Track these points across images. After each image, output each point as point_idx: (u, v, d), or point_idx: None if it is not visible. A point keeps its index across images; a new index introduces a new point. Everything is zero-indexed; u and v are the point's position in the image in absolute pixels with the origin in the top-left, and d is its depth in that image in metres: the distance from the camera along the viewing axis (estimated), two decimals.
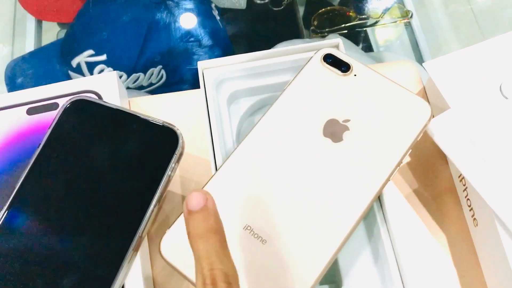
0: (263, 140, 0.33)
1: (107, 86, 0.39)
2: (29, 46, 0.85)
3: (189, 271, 0.29)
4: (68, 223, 0.33)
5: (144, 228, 0.32)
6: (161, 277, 0.36)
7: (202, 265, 0.24)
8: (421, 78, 0.43)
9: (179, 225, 0.31)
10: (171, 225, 0.31)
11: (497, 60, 0.37)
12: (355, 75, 0.34)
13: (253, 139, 0.33)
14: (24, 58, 0.75)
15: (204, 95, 0.37)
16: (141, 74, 0.70)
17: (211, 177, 0.32)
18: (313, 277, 0.29)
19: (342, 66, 0.35)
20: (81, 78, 0.39)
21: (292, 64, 0.39)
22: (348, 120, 0.33)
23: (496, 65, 0.37)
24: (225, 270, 0.24)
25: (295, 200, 0.31)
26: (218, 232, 0.25)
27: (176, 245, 0.30)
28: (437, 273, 0.36)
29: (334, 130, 0.32)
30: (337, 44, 0.39)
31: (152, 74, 0.71)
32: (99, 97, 0.38)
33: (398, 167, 0.31)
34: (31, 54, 0.77)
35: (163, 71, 0.71)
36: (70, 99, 0.36)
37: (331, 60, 0.35)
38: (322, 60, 0.35)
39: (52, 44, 0.77)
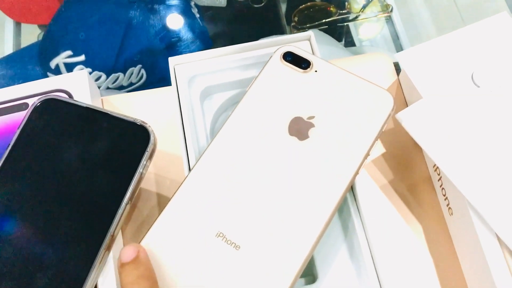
0: (230, 143, 0.32)
1: (78, 85, 0.38)
2: (8, 49, 0.84)
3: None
4: (38, 223, 0.32)
5: (116, 227, 0.32)
6: None
7: None
8: (394, 70, 0.43)
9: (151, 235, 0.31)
10: (144, 236, 0.31)
11: (469, 49, 0.37)
12: (316, 71, 0.34)
13: (220, 142, 0.32)
14: (2, 61, 0.74)
15: (176, 91, 0.37)
16: (121, 74, 0.69)
17: (180, 184, 0.32)
18: (291, 277, 0.28)
19: (302, 63, 0.34)
20: (51, 77, 0.39)
21: (266, 58, 0.38)
22: (312, 117, 0.32)
23: (468, 54, 0.37)
24: None
25: (266, 202, 0.30)
26: (149, 278, 0.27)
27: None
28: (413, 262, 0.36)
29: (299, 128, 0.32)
30: (309, 37, 0.38)
31: (132, 73, 0.70)
32: (70, 96, 0.38)
33: (366, 159, 0.31)
34: (9, 56, 0.76)
35: (143, 71, 0.71)
36: (39, 99, 0.35)
37: (291, 58, 0.35)
38: (282, 58, 0.35)
39: (30, 46, 0.76)
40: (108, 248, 0.32)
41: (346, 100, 0.33)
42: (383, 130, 0.32)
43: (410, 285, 0.35)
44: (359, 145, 0.31)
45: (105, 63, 0.68)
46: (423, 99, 0.35)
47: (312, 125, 0.32)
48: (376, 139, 0.31)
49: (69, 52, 0.68)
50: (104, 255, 0.32)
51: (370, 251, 0.33)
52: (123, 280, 0.27)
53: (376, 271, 0.33)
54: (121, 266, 0.28)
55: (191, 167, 0.34)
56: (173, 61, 0.38)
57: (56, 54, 0.68)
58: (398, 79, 0.42)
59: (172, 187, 0.39)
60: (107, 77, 0.68)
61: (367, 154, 0.31)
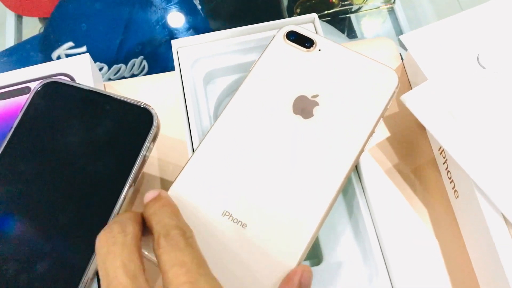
0: (235, 123, 0.32)
1: (80, 69, 0.38)
2: (10, 42, 0.84)
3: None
4: (41, 206, 0.32)
5: (120, 209, 0.32)
6: None
7: (155, 228, 0.26)
8: (400, 54, 0.43)
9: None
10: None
11: (474, 31, 0.37)
12: (319, 50, 0.34)
13: (224, 122, 0.32)
14: (4, 53, 0.74)
15: (179, 74, 0.37)
16: (123, 65, 0.69)
17: (185, 164, 0.32)
18: (298, 255, 0.28)
19: (306, 42, 0.34)
20: (54, 62, 0.38)
21: (269, 40, 0.38)
22: (316, 95, 0.32)
23: (473, 36, 0.37)
24: (179, 224, 0.26)
25: (272, 180, 0.30)
26: (170, 205, 0.28)
27: None
28: (419, 244, 0.36)
29: (304, 107, 0.32)
30: (313, 19, 0.38)
31: (133, 65, 0.70)
32: (72, 80, 0.38)
33: (371, 137, 0.31)
34: (10, 49, 0.76)
35: (144, 62, 0.71)
36: (41, 82, 0.35)
37: (294, 37, 0.34)
38: (285, 37, 0.34)
39: (31, 38, 0.76)
40: None
41: (350, 78, 0.33)
42: (388, 108, 0.32)
43: (416, 267, 0.35)
44: (364, 123, 0.31)
45: (107, 54, 0.68)
46: (429, 80, 0.35)
47: (316, 104, 0.32)
48: (381, 117, 0.31)
49: (70, 44, 0.68)
50: None
51: (376, 234, 0.33)
52: (146, 213, 0.27)
53: (382, 253, 0.32)
54: (144, 206, 0.28)
55: (194, 148, 0.34)
56: (176, 43, 0.38)
57: (58, 45, 0.68)
58: (403, 63, 0.42)
59: (175, 172, 0.38)
60: (109, 68, 0.68)
61: (372, 132, 0.31)
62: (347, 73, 0.33)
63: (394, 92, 0.32)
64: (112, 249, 0.24)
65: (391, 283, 0.32)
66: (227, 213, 0.29)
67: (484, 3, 0.38)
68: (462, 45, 0.36)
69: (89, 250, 0.31)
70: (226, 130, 0.32)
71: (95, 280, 0.32)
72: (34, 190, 0.32)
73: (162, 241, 0.25)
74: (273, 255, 0.28)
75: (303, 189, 0.30)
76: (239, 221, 0.29)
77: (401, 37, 0.37)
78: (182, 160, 0.38)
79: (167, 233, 0.25)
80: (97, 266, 0.25)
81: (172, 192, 0.30)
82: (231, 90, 0.40)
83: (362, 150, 0.30)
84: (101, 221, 0.31)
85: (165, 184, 0.38)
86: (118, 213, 0.32)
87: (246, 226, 0.29)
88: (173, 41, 0.37)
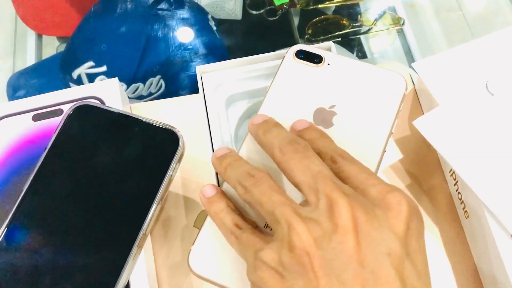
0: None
1: (109, 92, 0.40)
2: (30, 60, 0.87)
3: (224, 279, 0.30)
4: (74, 224, 0.34)
5: (148, 226, 0.34)
6: (163, 272, 0.38)
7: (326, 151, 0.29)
8: (412, 79, 0.44)
9: (204, 236, 0.32)
10: (196, 239, 0.32)
11: (483, 59, 0.39)
12: (328, 64, 0.36)
13: (251, 143, 0.34)
14: (25, 72, 0.76)
15: (203, 98, 0.39)
16: (141, 84, 0.71)
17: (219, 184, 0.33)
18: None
19: (315, 58, 0.37)
20: (84, 85, 0.41)
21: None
22: (333, 106, 0.35)
23: (482, 64, 0.39)
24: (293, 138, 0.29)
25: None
26: (233, 206, 0.31)
27: (205, 257, 0.31)
28: (430, 264, 0.37)
29: (323, 117, 0.34)
30: (329, 47, 0.40)
31: (151, 84, 0.72)
32: (102, 102, 0.40)
33: (390, 137, 0.33)
34: (32, 67, 0.79)
35: (162, 81, 0.73)
36: (74, 105, 0.37)
37: (303, 55, 0.37)
38: (295, 56, 0.37)
39: (52, 57, 0.79)
40: (141, 245, 0.34)
41: (361, 86, 0.35)
42: (401, 109, 0.34)
43: None
44: (382, 124, 0.33)
45: (126, 73, 0.70)
46: (440, 106, 0.37)
47: (334, 113, 0.34)
48: (396, 118, 0.33)
49: (91, 63, 0.70)
50: (136, 252, 0.33)
51: None
52: (212, 210, 0.30)
53: None
54: (208, 201, 0.31)
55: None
56: (200, 69, 0.40)
57: (79, 64, 0.70)
58: (414, 88, 0.44)
59: (197, 190, 0.40)
60: (128, 87, 0.70)
61: (391, 133, 0.33)
62: (358, 82, 0.35)
63: (404, 94, 0.34)
64: None
65: None
66: None
67: (492, 33, 0.40)
68: (472, 72, 0.38)
69: (119, 266, 0.33)
70: (254, 148, 0.34)
71: None
72: (67, 209, 0.34)
73: (280, 153, 0.28)
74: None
75: None
76: None
77: (413, 64, 0.39)
78: (205, 178, 0.40)
79: (281, 148, 0.28)
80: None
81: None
82: (252, 112, 0.42)
83: (384, 150, 0.33)
84: (130, 238, 0.33)
85: (187, 202, 0.40)
86: (146, 231, 0.34)
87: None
88: (197, 67, 0.40)
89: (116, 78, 0.40)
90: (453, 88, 0.38)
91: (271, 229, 0.30)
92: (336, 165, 0.28)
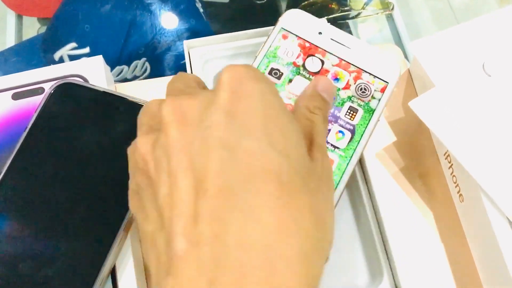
0: None
1: (93, 70, 0.38)
2: (10, 42, 0.84)
3: None
4: (57, 207, 0.32)
5: None
6: None
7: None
8: (405, 60, 0.43)
9: None
10: None
11: (480, 39, 0.38)
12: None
13: None
14: (5, 53, 0.74)
15: (190, 72, 0.37)
16: (125, 67, 0.69)
17: None
18: None
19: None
20: (67, 63, 0.39)
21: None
22: None
23: (479, 44, 0.38)
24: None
25: None
26: None
27: None
28: (425, 248, 0.36)
29: None
30: None
31: (136, 66, 0.70)
32: (86, 81, 0.38)
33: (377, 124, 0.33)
34: (11, 48, 0.76)
35: (147, 64, 0.71)
36: (56, 83, 0.35)
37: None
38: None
39: (33, 38, 0.76)
40: (127, 229, 0.32)
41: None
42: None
43: (422, 271, 0.36)
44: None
45: (110, 55, 0.68)
46: (436, 87, 0.36)
47: None
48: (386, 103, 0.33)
49: (73, 44, 0.68)
50: (122, 236, 0.32)
51: (381, 237, 0.34)
52: None
53: (387, 255, 0.33)
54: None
55: None
56: (188, 44, 0.38)
57: (61, 45, 0.68)
58: (408, 70, 0.43)
59: None
60: (112, 69, 0.68)
61: (378, 120, 0.33)
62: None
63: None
64: None
65: (395, 286, 0.33)
66: None
67: (490, 12, 0.39)
68: (468, 53, 0.37)
69: (104, 251, 0.31)
70: None
71: (110, 279, 0.33)
72: (49, 192, 0.33)
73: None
74: None
75: None
76: None
77: (409, 44, 0.38)
78: None
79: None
80: None
81: None
82: None
83: (370, 135, 0.32)
84: (116, 222, 0.32)
85: None
86: (132, 216, 0.32)
87: None
88: (185, 42, 0.38)
89: (101, 55, 0.39)
90: (449, 69, 0.37)
91: None
92: None
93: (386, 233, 0.34)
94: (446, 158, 0.38)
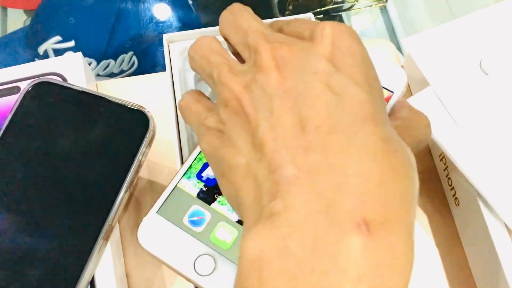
0: None
1: (72, 68, 0.37)
2: None
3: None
4: (32, 212, 0.31)
5: (115, 216, 0.31)
6: (133, 268, 0.35)
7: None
8: (398, 57, 0.42)
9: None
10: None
11: (476, 36, 0.37)
12: None
13: None
14: None
15: (170, 69, 0.36)
16: (112, 61, 0.67)
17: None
18: None
19: None
20: (44, 60, 0.37)
21: None
22: None
23: (475, 41, 0.36)
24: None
25: None
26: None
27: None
28: (418, 253, 0.35)
29: None
30: (309, 18, 0.37)
31: (123, 60, 0.68)
32: (64, 79, 0.36)
33: None
34: None
35: (134, 58, 0.69)
36: (32, 82, 0.33)
37: None
38: None
39: (17, 31, 0.74)
40: (106, 238, 0.31)
41: None
42: None
43: (415, 277, 0.34)
44: None
45: (96, 49, 0.66)
46: (431, 86, 0.35)
47: None
48: None
49: (58, 38, 0.66)
50: (102, 245, 0.30)
51: None
52: (183, 103, 0.28)
53: None
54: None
55: (182, 148, 0.34)
56: (167, 37, 0.36)
57: (45, 39, 0.66)
58: (402, 66, 0.41)
59: (169, 175, 0.38)
60: (98, 63, 0.66)
61: None
62: None
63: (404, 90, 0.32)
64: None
65: None
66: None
67: (486, 7, 0.37)
68: (464, 50, 0.36)
69: (84, 257, 0.30)
70: None
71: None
72: (25, 195, 0.31)
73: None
74: None
75: None
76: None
77: (402, 40, 0.36)
78: (172, 161, 0.37)
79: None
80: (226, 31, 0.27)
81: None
82: None
83: None
84: (96, 228, 0.30)
85: (157, 188, 0.37)
86: (112, 221, 0.31)
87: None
88: (164, 35, 0.36)
89: (80, 52, 0.37)
90: (445, 67, 0.35)
91: None
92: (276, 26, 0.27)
93: None
94: (441, 160, 0.37)
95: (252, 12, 0.27)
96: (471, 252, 0.35)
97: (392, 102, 0.31)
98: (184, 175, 0.30)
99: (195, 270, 0.27)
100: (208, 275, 0.27)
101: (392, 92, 0.31)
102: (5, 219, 0.30)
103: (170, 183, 0.30)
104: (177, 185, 0.29)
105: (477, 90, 0.34)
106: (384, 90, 0.31)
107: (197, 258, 0.28)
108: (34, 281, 0.29)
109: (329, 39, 0.22)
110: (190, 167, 0.30)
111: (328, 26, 0.23)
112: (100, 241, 0.30)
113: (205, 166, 0.30)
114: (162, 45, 0.37)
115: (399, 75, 0.31)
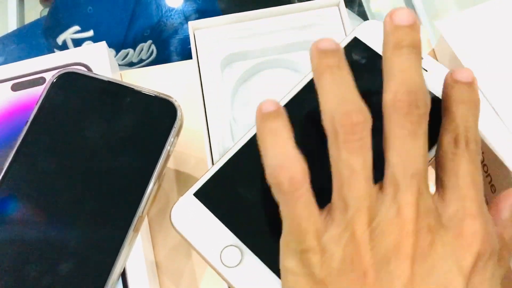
0: None
1: (97, 58, 0.36)
2: (12, 26, 0.82)
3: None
4: (62, 205, 0.30)
5: (145, 207, 0.30)
6: (163, 258, 0.34)
7: (456, 121, 0.24)
8: (429, 40, 0.41)
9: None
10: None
11: (510, 16, 0.35)
12: None
13: None
14: (7, 37, 0.71)
15: (196, 56, 0.35)
16: (131, 50, 0.67)
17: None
18: None
19: None
20: (69, 50, 0.36)
21: (289, 24, 0.36)
22: None
23: (509, 22, 0.35)
24: (477, 138, 0.24)
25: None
26: (288, 128, 0.23)
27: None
28: None
29: None
30: (338, 3, 0.36)
31: (142, 49, 0.68)
32: (89, 69, 0.36)
33: None
34: (13, 33, 0.74)
35: (153, 46, 0.68)
36: (57, 73, 0.33)
37: None
38: None
39: (35, 22, 0.74)
40: (137, 229, 0.30)
41: None
42: None
43: None
44: None
45: (114, 38, 0.66)
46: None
47: None
48: None
49: (76, 27, 0.65)
50: (132, 237, 0.30)
51: None
52: (260, 129, 0.24)
53: None
54: (261, 117, 0.24)
55: (211, 137, 0.33)
56: (193, 25, 0.36)
57: (63, 29, 0.66)
58: (433, 50, 0.40)
59: (196, 165, 0.37)
60: (117, 53, 0.66)
61: None
62: None
63: None
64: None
65: None
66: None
67: None
68: (498, 31, 0.35)
69: (115, 249, 0.29)
70: None
71: (120, 282, 0.31)
72: (54, 187, 0.31)
73: (461, 143, 0.23)
74: None
75: None
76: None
77: (436, 23, 0.35)
78: (199, 152, 0.36)
79: (468, 141, 0.23)
80: None
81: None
82: (250, 75, 0.38)
83: None
84: (126, 220, 0.30)
85: (185, 178, 0.37)
86: (142, 213, 0.30)
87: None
88: (190, 22, 0.36)
89: (104, 41, 0.36)
90: (478, 49, 0.34)
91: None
92: (451, 152, 0.23)
93: None
94: None
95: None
96: None
97: None
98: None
99: (221, 260, 0.26)
100: (233, 267, 0.27)
101: None
102: (35, 213, 0.30)
103: (212, 167, 0.29)
104: (219, 170, 0.29)
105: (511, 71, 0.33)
106: None
107: (224, 248, 0.27)
108: (66, 274, 0.29)
109: (475, 251, 0.21)
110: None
111: (480, 235, 0.21)
112: (130, 233, 0.30)
113: None
114: (180, 33, 0.36)
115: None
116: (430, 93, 0.29)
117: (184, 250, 0.35)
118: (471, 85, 0.24)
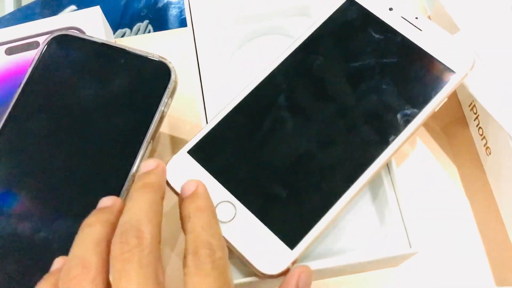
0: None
1: (91, 22, 0.36)
2: (9, 7, 0.82)
3: None
4: (55, 166, 0.30)
5: (137, 168, 0.30)
6: None
7: (186, 238, 0.24)
8: (424, 6, 0.40)
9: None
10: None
11: None
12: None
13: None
14: (4, 19, 0.71)
15: (190, 22, 0.35)
16: (127, 30, 0.66)
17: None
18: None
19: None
20: (62, 15, 0.36)
21: None
22: None
23: None
24: (210, 241, 0.23)
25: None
26: (208, 209, 0.25)
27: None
28: (449, 205, 0.34)
29: None
30: None
31: (139, 29, 0.67)
32: (83, 33, 0.36)
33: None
34: (11, 14, 0.74)
35: (150, 26, 0.68)
36: (51, 35, 0.33)
37: None
38: None
39: (33, 3, 0.74)
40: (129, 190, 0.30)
41: None
42: None
43: (446, 229, 0.34)
44: None
45: (111, 18, 0.65)
46: (461, 31, 0.33)
47: None
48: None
49: (73, 7, 0.65)
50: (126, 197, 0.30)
51: (395, 195, 0.31)
52: (181, 212, 0.26)
53: (400, 213, 0.30)
54: (180, 201, 0.26)
55: (205, 102, 0.33)
56: None
57: (60, 9, 0.65)
58: (429, 16, 0.40)
59: (191, 130, 0.37)
60: (114, 32, 0.65)
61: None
62: None
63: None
64: (126, 267, 0.21)
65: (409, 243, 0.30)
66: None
67: None
68: None
69: None
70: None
71: None
72: (46, 152, 0.31)
73: (189, 259, 0.23)
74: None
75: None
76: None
77: None
78: (193, 117, 0.36)
79: (196, 251, 0.23)
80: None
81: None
82: (246, 41, 0.38)
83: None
84: (118, 181, 0.30)
85: (180, 143, 0.37)
86: (136, 171, 0.30)
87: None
88: None
89: (98, 6, 0.36)
90: (475, 12, 0.34)
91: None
92: (184, 269, 0.23)
93: (400, 191, 0.31)
94: (471, 110, 0.36)
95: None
96: (503, 201, 0.34)
97: (453, 82, 0.29)
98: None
99: None
100: (227, 222, 0.27)
101: (454, 72, 0.30)
102: (29, 175, 0.30)
103: (205, 126, 0.30)
104: (212, 129, 0.29)
105: (509, 34, 0.33)
106: (446, 68, 0.30)
107: (219, 203, 0.27)
108: (58, 235, 0.29)
109: None
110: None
111: None
112: (124, 193, 0.30)
113: None
114: (177, 13, 0.36)
115: (465, 55, 0.30)
116: (422, 50, 0.30)
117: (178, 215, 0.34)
118: (194, 196, 0.26)
